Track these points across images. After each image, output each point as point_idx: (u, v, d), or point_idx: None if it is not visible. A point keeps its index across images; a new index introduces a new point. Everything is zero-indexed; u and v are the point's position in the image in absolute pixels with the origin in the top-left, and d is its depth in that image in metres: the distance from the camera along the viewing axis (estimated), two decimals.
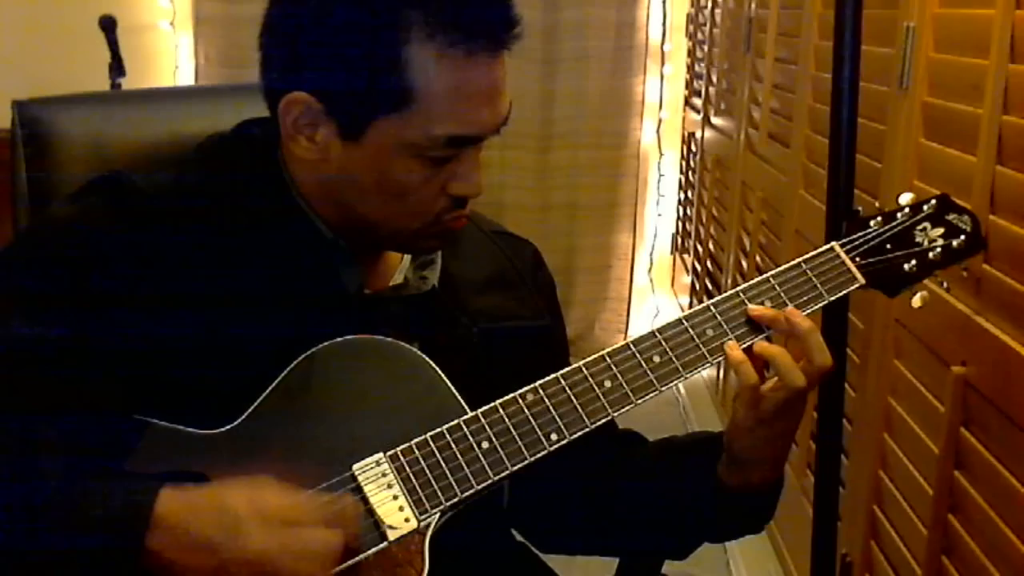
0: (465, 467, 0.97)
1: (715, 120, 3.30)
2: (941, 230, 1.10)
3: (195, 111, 1.42)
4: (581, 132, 3.92)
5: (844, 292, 1.08)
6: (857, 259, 1.09)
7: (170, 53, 3.69)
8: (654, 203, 4.08)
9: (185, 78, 3.68)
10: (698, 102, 3.61)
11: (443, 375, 1.02)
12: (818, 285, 1.07)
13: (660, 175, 4.06)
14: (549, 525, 1.24)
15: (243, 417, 0.98)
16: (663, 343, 1.03)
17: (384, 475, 0.96)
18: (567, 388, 1.01)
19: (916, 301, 1.11)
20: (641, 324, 4.09)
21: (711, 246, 3.25)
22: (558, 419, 1.00)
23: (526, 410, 1.00)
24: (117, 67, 2.97)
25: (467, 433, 0.98)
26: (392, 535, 0.95)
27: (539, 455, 0.99)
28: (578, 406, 1.01)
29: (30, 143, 1.31)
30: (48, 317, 0.96)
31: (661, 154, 4.04)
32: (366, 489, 0.96)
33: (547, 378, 1.01)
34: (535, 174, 3.94)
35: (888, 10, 1.61)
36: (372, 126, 0.99)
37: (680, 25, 3.93)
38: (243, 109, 1.11)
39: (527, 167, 3.91)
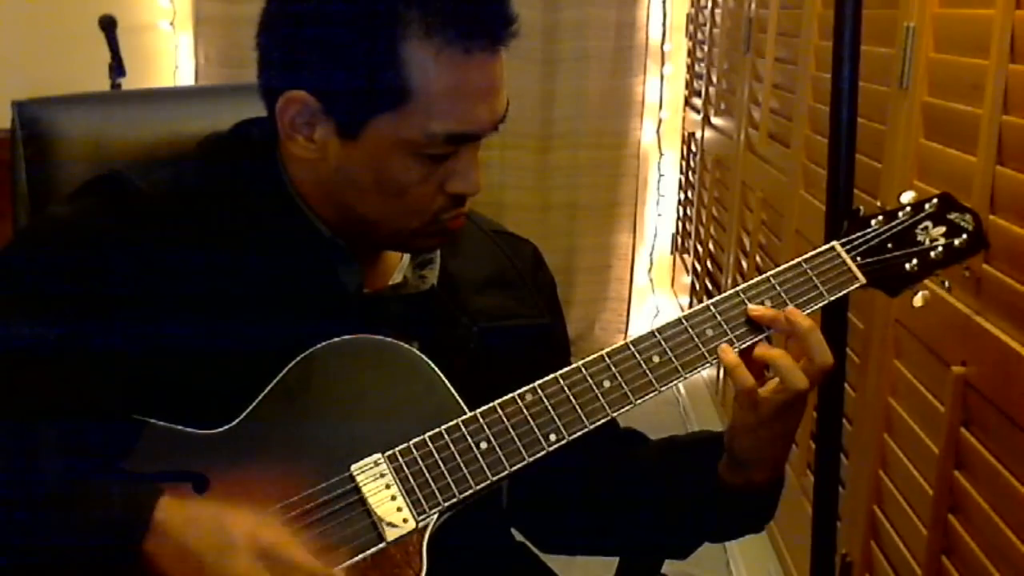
0: (463, 468, 0.97)
1: (715, 120, 3.30)
2: (943, 229, 1.10)
3: (195, 111, 1.42)
4: (581, 132, 3.92)
5: (845, 292, 1.07)
6: (858, 258, 1.08)
7: (170, 53, 3.69)
8: (654, 203, 4.08)
9: (185, 78, 3.68)
10: (698, 102, 3.61)
11: (442, 375, 1.01)
12: (818, 285, 1.07)
13: (660, 175, 4.06)
14: (550, 524, 1.24)
15: (241, 417, 0.98)
16: (662, 343, 1.03)
17: (382, 475, 0.96)
18: (566, 388, 1.01)
19: (918, 300, 1.11)
20: (641, 324, 4.09)
21: (711, 246, 3.25)
22: (557, 419, 1.00)
23: (525, 410, 1.00)
24: (117, 67, 2.97)
25: (465, 434, 0.98)
26: (390, 536, 0.95)
27: (538, 456, 0.99)
28: (577, 406, 1.00)
29: (30, 143, 1.31)
30: (46, 317, 0.96)
31: (661, 154, 4.04)
32: (364, 490, 0.96)
33: (546, 378, 1.01)
34: (535, 174, 3.94)
35: (888, 10, 1.61)
36: (370, 124, 0.99)
37: (680, 25, 3.93)
38: (243, 109, 1.10)
39: (527, 167, 3.91)
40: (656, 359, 1.03)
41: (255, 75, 1.05)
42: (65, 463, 0.90)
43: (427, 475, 0.97)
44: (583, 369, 1.02)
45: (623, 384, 1.01)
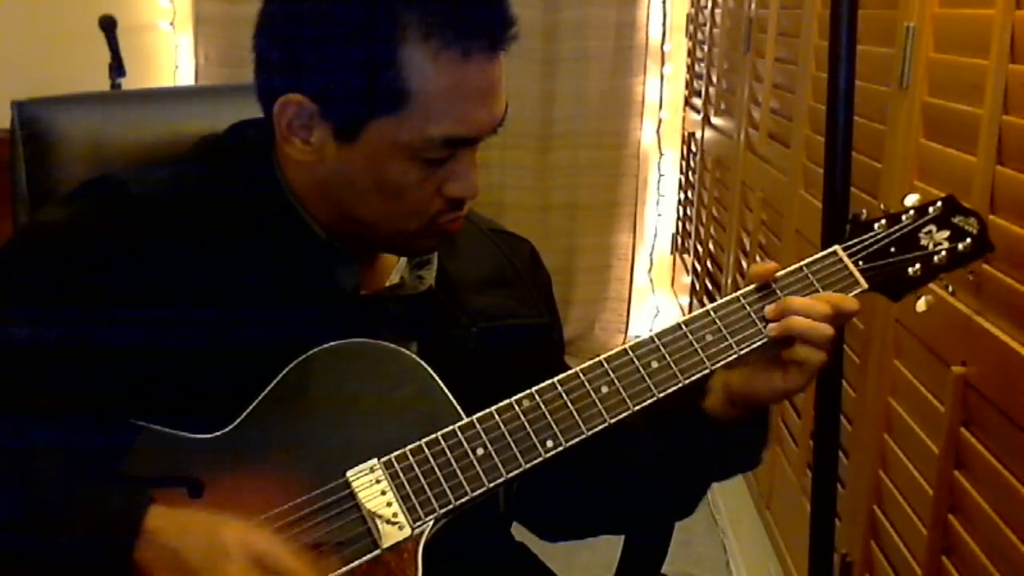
0: (459, 474, 0.97)
1: (715, 120, 3.30)
2: (947, 233, 1.09)
3: (195, 111, 1.42)
4: (581, 132, 3.92)
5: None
6: (860, 263, 1.08)
7: (170, 53, 3.69)
8: (654, 203, 4.09)
9: (185, 78, 3.69)
10: (698, 102, 3.61)
11: (438, 379, 1.01)
12: (820, 289, 1.06)
13: (660, 175, 4.06)
14: (551, 513, 1.22)
15: (237, 421, 0.98)
16: (661, 348, 1.03)
17: (378, 481, 0.96)
18: (564, 394, 1.00)
19: (920, 305, 1.11)
20: (641, 324, 4.09)
21: (711, 246, 3.25)
22: (554, 425, 0.99)
23: (522, 416, 0.99)
24: (117, 67, 2.98)
25: (462, 440, 0.98)
26: (385, 542, 0.94)
27: (535, 462, 0.98)
28: (575, 412, 1.00)
29: (30, 143, 1.31)
30: (38, 321, 0.95)
31: (661, 154, 4.04)
32: (359, 495, 0.95)
33: (543, 384, 1.00)
34: (535, 174, 3.94)
35: (888, 10, 1.61)
36: (368, 128, 0.98)
37: (680, 25, 3.94)
38: (243, 109, 1.10)
39: (527, 167, 3.91)
40: (655, 364, 1.02)
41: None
42: (57, 468, 0.89)
43: (423, 481, 0.96)
44: (581, 375, 1.01)
45: (621, 390, 1.01)
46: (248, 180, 1.06)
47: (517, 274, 1.21)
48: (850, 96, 1.31)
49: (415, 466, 0.96)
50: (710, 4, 3.42)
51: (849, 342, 1.43)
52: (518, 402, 0.99)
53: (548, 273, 1.27)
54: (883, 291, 1.09)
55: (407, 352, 1.02)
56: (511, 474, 0.97)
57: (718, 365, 1.03)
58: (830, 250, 1.09)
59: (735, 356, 1.04)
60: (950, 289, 1.11)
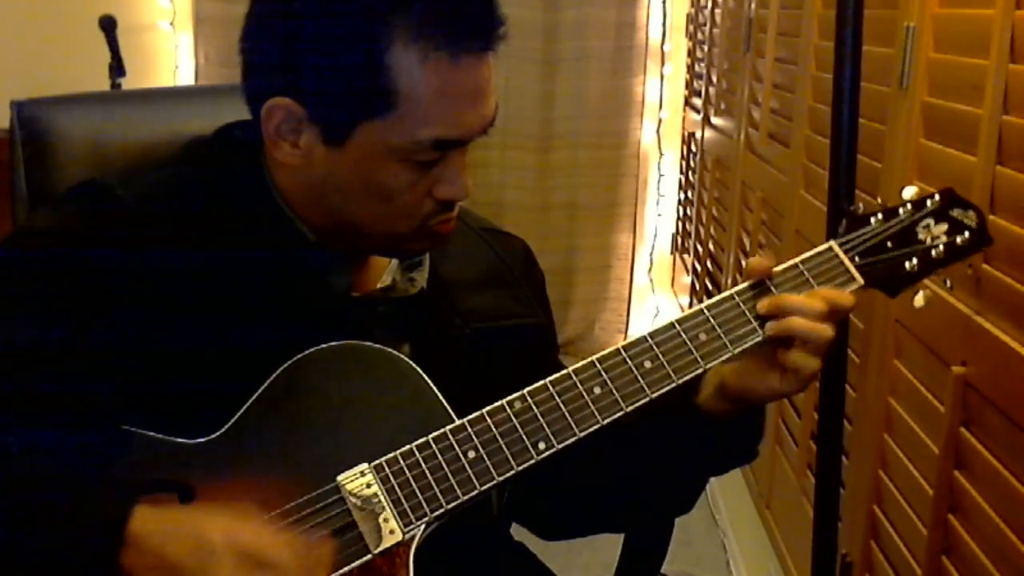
0: (451, 477, 0.96)
1: (715, 120, 3.29)
2: (945, 226, 1.08)
3: (195, 111, 1.42)
4: (581, 132, 3.92)
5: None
6: (856, 258, 1.07)
7: (170, 53, 3.69)
8: (654, 203, 4.09)
9: (185, 78, 3.69)
10: (698, 102, 3.61)
11: (430, 382, 1.00)
12: (815, 286, 1.05)
13: (660, 175, 4.06)
14: (549, 511, 1.22)
15: (228, 426, 0.97)
16: (654, 348, 1.02)
17: (369, 486, 0.95)
18: (556, 395, 0.99)
19: (919, 300, 1.10)
20: (641, 324, 4.09)
21: (711, 246, 3.25)
22: (546, 427, 0.98)
23: (513, 419, 0.98)
24: (117, 67, 2.98)
25: (453, 443, 0.97)
26: (376, 546, 0.93)
27: (527, 465, 0.97)
28: (567, 414, 0.99)
29: (29, 143, 1.31)
30: (25, 326, 0.95)
31: (661, 154, 4.04)
32: (350, 500, 0.94)
33: (535, 385, 1.00)
34: (535, 174, 3.94)
35: (888, 10, 1.60)
36: (356, 131, 0.97)
37: (680, 25, 3.94)
38: (243, 109, 1.09)
39: (527, 167, 3.92)
40: (648, 364, 1.01)
41: None
42: (42, 473, 0.88)
43: (414, 485, 0.95)
44: (573, 376, 1.00)
45: (614, 390, 1.00)
46: (237, 183, 1.05)
47: (511, 273, 1.20)
48: (855, 96, 1.31)
49: (406, 470, 0.96)
50: (710, 4, 3.42)
51: (849, 342, 1.43)
52: (509, 404, 0.99)
53: (542, 271, 1.26)
54: (880, 287, 1.08)
55: (398, 354, 1.02)
56: (502, 477, 0.97)
57: (712, 365, 1.03)
58: (825, 246, 1.08)
59: (729, 355, 1.03)
60: (948, 284, 1.10)
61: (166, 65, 3.69)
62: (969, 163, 1.32)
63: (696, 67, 3.74)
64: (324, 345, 1.00)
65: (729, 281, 2.87)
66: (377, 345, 1.01)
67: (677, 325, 1.03)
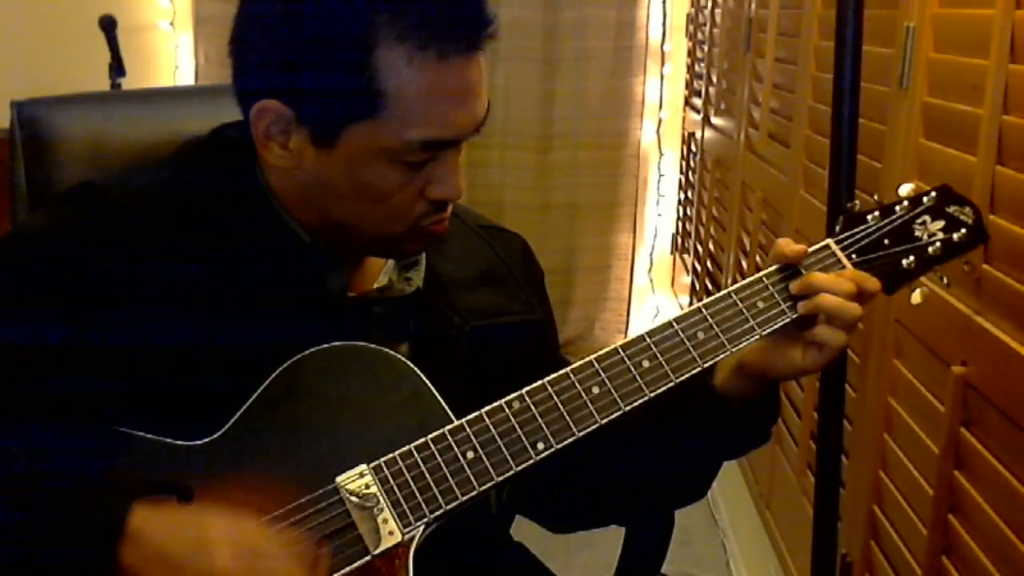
0: (450, 478, 0.96)
1: (715, 120, 3.29)
2: (941, 223, 1.08)
3: (195, 111, 1.41)
4: (581, 132, 3.92)
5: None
6: (853, 256, 1.07)
7: (170, 53, 3.70)
8: (654, 203, 4.09)
9: (185, 78, 3.69)
10: (698, 102, 3.61)
11: (428, 382, 1.00)
12: None
13: (660, 175, 4.06)
14: (558, 502, 1.21)
15: (226, 427, 0.97)
16: (652, 347, 1.02)
17: (368, 487, 0.95)
18: (554, 395, 0.99)
19: (915, 297, 1.10)
20: (641, 324, 4.09)
21: (711, 246, 3.25)
22: (544, 427, 0.98)
23: (512, 418, 0.98)
24: (117, 67, 2.97)
25: (452, 443, 0.97)
26: (375, 548, 0.93)
27: (525, 464, 0.97)
28: (565, 413, 0.99)
29: (29, 143, 1.31)
30: (18, 328, 0.95)
31: (661, 154, 4.04)
32: (349, 502, 0.94)
33: (534, 385, 0.99)
34: (535, 174, 3.94)
35: (888, 10, 1.60)
36: (345, 133, 0.97)
37: (680, 25, 3.94)
38: None
39: (527, 167, 3.92)
40: (646, 364, 1.01)
41: None
42: (40, 474, 0.88)
43: (413, 486, 0.95)
44: (572, 375, 1.00)
45: (612, 390, 1.00)
46: (231, 184, 1.05)
47: (508, 270, 1.19)
48: (855, 96, 1.31)
49: (405, 471, 0.95)
50: (710, 4, 3.42)
51: (849, 342, 1.43)
52: (508, 404, 0.98)
53: (541, 268, 1.26)
54: None
55: (396, 355, 1.01)
56: (501, 477, 0.97)
57: (709, 363, 1.03)
58: (822, 244, 1.08)
59: (727, 353, 1.03)
60: (945, 281, 1.10)
61: (166, 65, 3.69)
62: (969, 163, 1.32)
63: (696, 67, 3.74)
64: (322, 346, 0.99)
65: (729, 281, 2.87)
66: (375, 346, 1.01)
67: (675, 324, 1.03)
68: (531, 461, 0.98)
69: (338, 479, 0.95)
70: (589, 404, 0.99)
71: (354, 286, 1.09)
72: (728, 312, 1.04)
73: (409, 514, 0.95)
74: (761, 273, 1.06)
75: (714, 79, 3.31)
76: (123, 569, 0.85)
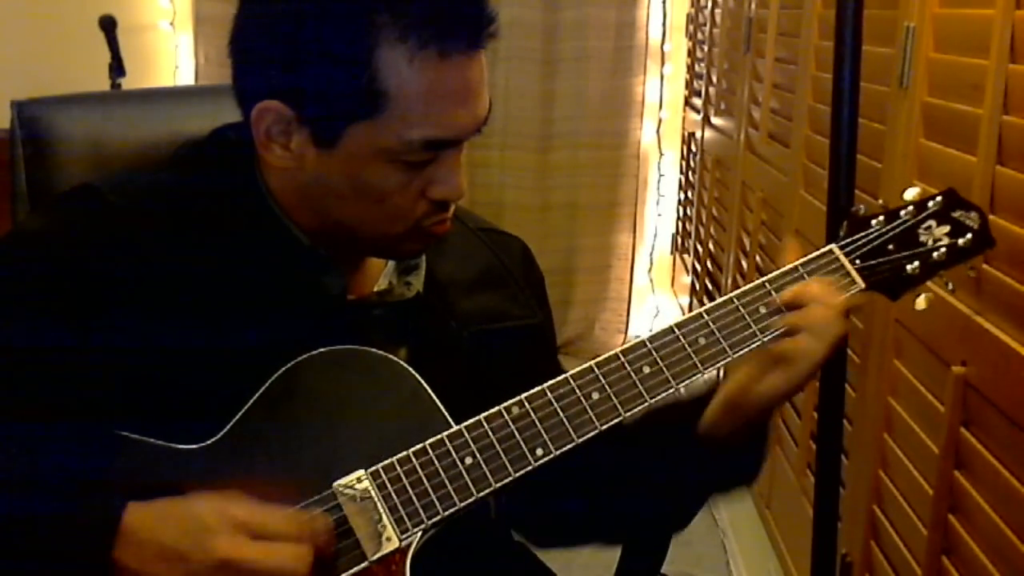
0: (448, 484, 0.95)
1: (715, 120, 3.30)
2: (947, 228, 1.07)
3: (195, 111, 1.41)
4: (581, 132, 3.92)
5: (843, 297, 1.05)
6: (857, 261, 1.06)
7: (170, 53, 3.70)
8: (654, 203, 4.09)
9: (185, 78, 3.69)
10: (698, 102, 3.61)
11: (427, 386, 0.99)
12: None
13: (660, 175, 4.06)
14: (541, 521, 1.21)
15: (224, 431, 0.96)
16: (653, 353, 1.00)
17: (366, 493, 0.94)
18: (554, 401, 0.98)
19: (920, 303, 1.09)
20: (641, 324, 4.09)
21: (711, 246, 3.25)
22: (544, 434, 0.97)
23: (511, 424, 0.97)
24: (117, 67, 2.97)
25: (450, 449, 0.96)
26: (373, 554, 0.93)
27: (524, 471, 0.96)
28: (565, 420, 0.98)
29: (29, 143, 1.31)
30: (17, 330, 0.94)
31: (661, 154, 4.04)
32: (347, 508, 0.94)
33: (533, 390, 0.98)
34: (535, 174, 3.94)
35: (888, 10, 1.61)
36: (346, 133, 0.96)
37: (680, 25, 3.94)
38: None
39: (527, 167, 3.91)
40: (647, 370, 1.00)
41: None
42: (37, 476, 0.88)
43: (411, 492, 0.94)
44: (571, 381, 0.99)
45: (612, 396, 0.99)
46: (230, 186, 1.04)
47: (508, 274, 1.18)
48: (855, 96, 1.31)
49: (403, 476, 0.95)
50: (710, 4, 3.42)
51: (849, 342, 1.43)
52: (507, 409, 0.97)
53: (541, 272, 1.25)
54: (881, 290, 1.07)
55: (395, 359, 1.01)
56: (500, 484, 0.96)
57: (711, 369, 1.01)
58: (826, 248, 1.07)
59: (729, 359, 1.02)
60: (950, 287, 1.10)
61: (166, 65, 3.69)
62: (969, 163, 1.32)
63: (696, 67, 3.74)
64: (320, 349, 0.99)
65: (729, 281, 2.87)
66: (374, 349, 1.00)
67: (676, 329, 1.02)
68: (530, 467, 0.97)
69: (335, 484, 0.94)
70: (589, 410, 0.98)
71: (353, 289, 1.08)
72: (730, 317, 1.03)
73: (406, 520, 0.94)
74: (765, 278, 1.05)
75: (714, 79, 3.31)
76: (125, 570, 0.84)
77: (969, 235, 1.07)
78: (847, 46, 1.30)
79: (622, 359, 1.00)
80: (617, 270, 4.07)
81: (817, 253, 1.07)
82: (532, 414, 0.98)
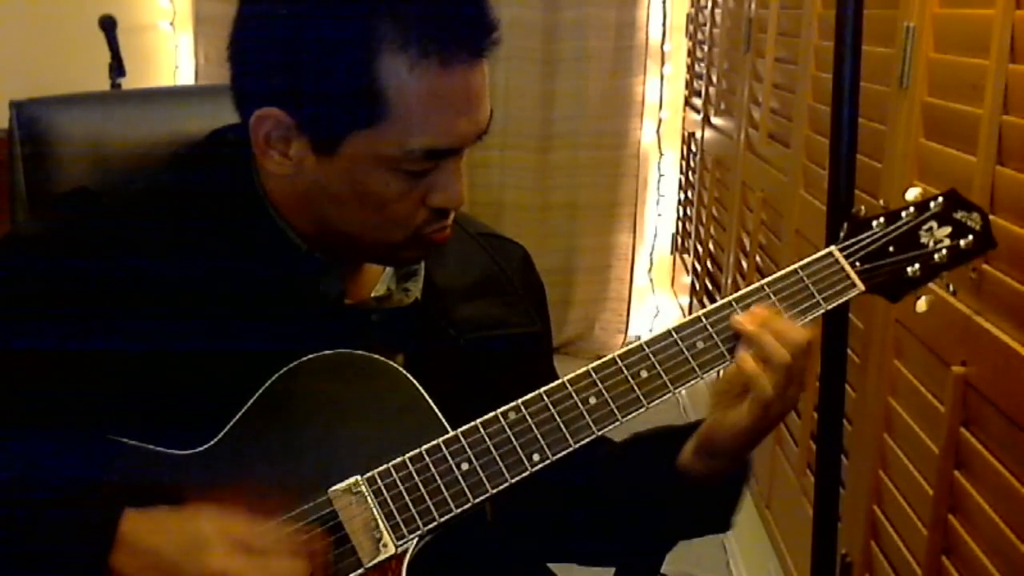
0: (444, 490, 0.94)
1: (715, 120, 3.29)
2: (948, 229, 1.06)
3: (195, 111, 1.41)
4: (581, 132, 3.92)
5: (842, 300, 1.04)
6: (857, 263, 1.05)
7: (170, 53, 3.70)
8: (654, 203, 4.09)
9: (185, 78, 3.69)
10: (698, 102, 3.61)
11: (424, 392, 0.99)
12: (815, 293, 1.04)
13: (660, 175, 4.06)
14: (527, 535, 1.20)
15: (219, 436, 0.96)
16: (651, 357, 1.00)
17: (361, 499, 0.94)
18: (551, 406, 0.98)
19: (921, 305, 1.08)
20: (641, 324, 4.09)
21: (711, 246, 3.25)
22: (540, 439, 0.97)
23: (507, 429, 0.97)
24: (117, 67, 2.97)
25: (447, 454, 0.95)
26: (368, 560, 0.93)
27: (520, 476, 0.96)
28: (561, 424, 0.97)
29: (28, 143, 1.31)
30: (13, 335, 0.94)
31: (661, 154, 4.04)
32: (342, 514, 0.93)
33: (530, 395, 0.98)
34: (535, 174, 3.94)
35: (888, 10, 1.60)
36: (346, 141, 0.95)
37: (680, 25, 3.94)
38: None
39: (527, 167, 3.92)
40: (644, 374, 0.99)
41: None
42: (34, 482, 0.87)
43: (407, 498, 0.94)
44: (568, 385, 0.99)
45: (609, 400, 0.98)
46: (227, 189, 1.04)
47: (507, 281, 1.18)
48: (855, 96, 1.31)
49: (399, 482, 0.94)
50: (710, 4, 3.42)
51: (849, 342, 1.43)
52: (504, 415, 0.97)
53: (540, 278, 1.24)
54: (881, 292, 1.07)
55: (392, 364, 1.00)
56: (496, 489, 0.95)
57: (709, 374, 1.01)
58: (826, 251, 1.06)
59: (727, 364, 1.01)
60: (951, 288, 1.09)
61: (166, 65, 3.69)
62: (969, 163, 1.32)
63: (696, 67, 3.74)
64: (317, 354, 0.98)
65: (729, 281, 2.87)
66: (371, 354, 1.00)
67: (674, 334, 1.01)
68: (526, 472, 0.96)
69: (332, 491, 0.94)
70: (586, 415, 0.98)
71: (351, 294, 1.07)
72: (728, 322, 1.02)
73: (403, 526, 0.94)
74: (764, 281, 1.05)
75: (714, 79, 3.31)
76: (118, 573, 0.84)
77: (971, 236, 1.06)
78: (847, 46, 1.30)
79: (619, 363, 1.00)
80: (617, 270, 4.07)
81: (816, 256, 1.06)
82: (529, 419, 0.97)
